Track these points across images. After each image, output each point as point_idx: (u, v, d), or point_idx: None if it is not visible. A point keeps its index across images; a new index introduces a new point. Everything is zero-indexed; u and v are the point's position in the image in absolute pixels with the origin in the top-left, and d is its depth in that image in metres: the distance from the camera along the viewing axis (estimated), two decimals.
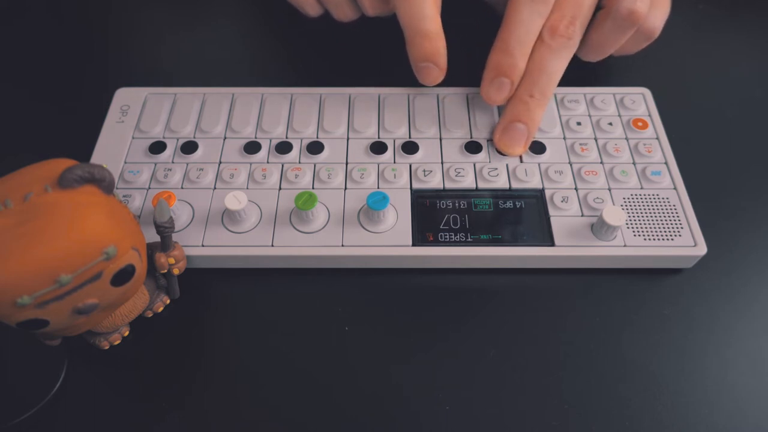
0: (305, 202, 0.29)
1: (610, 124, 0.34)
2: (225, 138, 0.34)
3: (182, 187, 0.32)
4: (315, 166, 0.32)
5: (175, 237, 0.29)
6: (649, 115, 0.35)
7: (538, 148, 0.33)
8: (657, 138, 0.34)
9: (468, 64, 0.40)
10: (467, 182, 0.32)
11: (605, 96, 0.36)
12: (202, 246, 0.29)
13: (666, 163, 0.33)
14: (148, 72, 0.40)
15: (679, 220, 0.30)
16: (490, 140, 0.34)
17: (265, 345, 0.28)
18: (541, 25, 0.31)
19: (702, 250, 0.29)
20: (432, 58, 0.32)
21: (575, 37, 0.32)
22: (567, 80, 0.37)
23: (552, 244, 0.29)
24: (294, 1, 0.38)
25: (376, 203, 0.29)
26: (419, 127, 0.34)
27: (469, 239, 0.30)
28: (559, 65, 0.32)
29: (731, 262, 0.31)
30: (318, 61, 0.41)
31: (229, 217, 0.30)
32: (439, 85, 0.36)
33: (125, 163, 0.33)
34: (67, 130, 0.36)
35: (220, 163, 0.33)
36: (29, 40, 0.42)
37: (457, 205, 0.31)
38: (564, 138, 0.34)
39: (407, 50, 0.32)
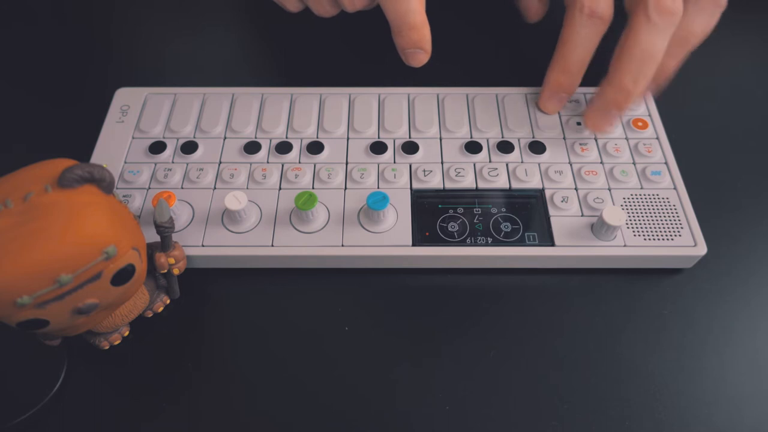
0: (305, 202, 0.29)
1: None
2: (225, 138, 0.34)
3: (182, 187, 0.32)
4: (315, 166, 0.32)
5: (175, 237, 0.29)
6: (649, 115, 0.35)
7: (537, 148, 0.33)
8: (657, 138, 0.34)
9: (468, 64, 0.40)
10: (467, 182, 0.32)
11: None
12: (202, 246, 0.29)
13: (666, 163, 0.33)
14: (148, 72, 0.40)
15: (679, 220, 0.30)
16: (490, 140, 0.34)
17: (264, 345, 0.28)
18: (597, 40, 0.31)
19: (702, 250, 0.29)
20: (419, 45, 0.32)
21: (680, 11, 0.29)
22: None
23: (552, 244, 0.29)
24: None
25: (376, 203, 0.29)
26: (419, 127, 0.34)
27: (469, 239, 0.30)
28: (663, 45, 0.30)
29: (731, 262, 0.31)
30: (318, 61, 0.41)
31: (229, 217, 0.30)
32: (439, 85, 0.36)
33: (125, 163, 0.33)
34: (67, 130, 0.36)
35: (220, 163, 0.33)
36: (29, 40, 0.42)
37: (457, 204, 0.31)
38: (564, 138, 0.34)
39: (394, 39, 0.33)
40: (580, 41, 0.31)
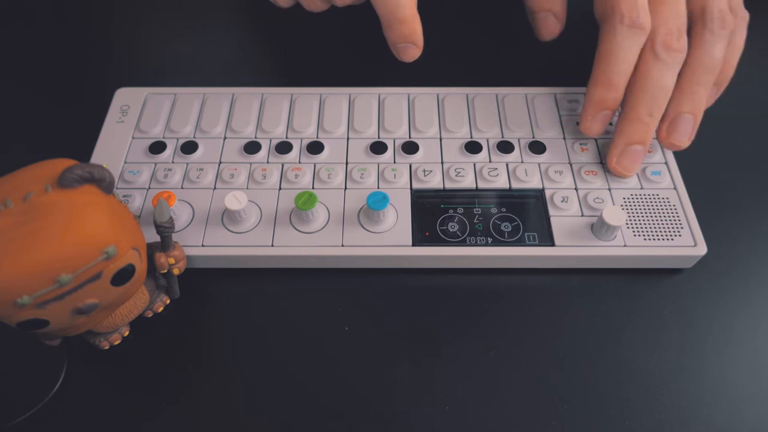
0: (305, 202, 0.29)
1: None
2: (225, 138, 0.34)
3: (182, 187, 0.32)
4: (315, 166, 0.32)
5: (175, 237, 0.29)
6: None
7: (537, 148, 0.33)
8: (657, 138, 0.34)
9: (468, 64, 0.40)
10: (467, 182, 0.32)
11: None
12: (202, 246, 0.29)
13: (666, 163, 0.33)
14: (148, 72, 0.40)
15: (679, 220, 0.30)
16: (490, 140, 0.34)
17: (264, 345, 0.28)
18: (638, 52, 0.31)
19: (702, 250, 0.29)
20: (409, 39, 0.32)
21: (686, 48, 0.31)
22: (567, 80, 0.37)
23: (552, 244, 0.29)
24: None
25: (376, 203, 0.29)
26: (419, 127, 0.34)
27: (469, 239, 0.30)
28: (673, 80, 0.31)
29: (731, 262, 0.31)
30: (318, 61, 0.41)
31: (229, 217, 0.30)
32: (439, 85, 0.36)
33: (125, 163, 0.33)
34: (67, 130, 0.36)
35: (220, 163, 0.33)
36: (29, 40, 0.42)
37: (457, 204, 0.31)
38: (564, 138, 0.34)
39: (384, 34, 0.33)
40: (623, 54, 0.30)
